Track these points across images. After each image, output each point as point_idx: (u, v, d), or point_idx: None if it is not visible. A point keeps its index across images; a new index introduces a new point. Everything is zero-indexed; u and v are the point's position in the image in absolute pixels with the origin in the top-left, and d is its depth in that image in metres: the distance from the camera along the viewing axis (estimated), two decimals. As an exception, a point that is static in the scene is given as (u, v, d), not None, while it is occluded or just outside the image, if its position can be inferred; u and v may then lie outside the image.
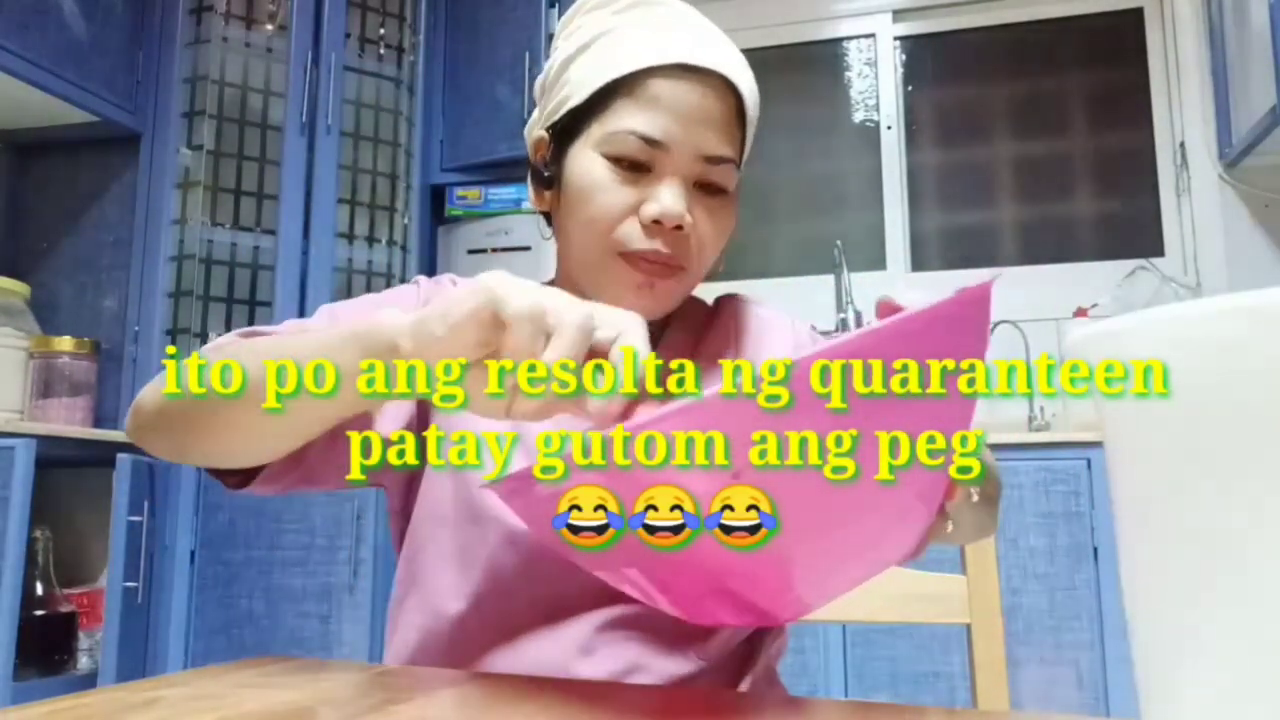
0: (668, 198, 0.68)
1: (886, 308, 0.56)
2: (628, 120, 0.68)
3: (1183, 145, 2.50)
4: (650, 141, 0.68)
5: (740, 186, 0.77)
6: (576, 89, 0.72)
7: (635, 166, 0.69)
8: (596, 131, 0.70)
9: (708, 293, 0.84)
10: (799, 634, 1.95)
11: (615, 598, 0.67)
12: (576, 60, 0.73)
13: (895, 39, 2.83)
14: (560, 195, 0.73)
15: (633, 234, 0.69)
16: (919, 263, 2.72)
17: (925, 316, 0.40)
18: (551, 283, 0.82)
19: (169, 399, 0.61)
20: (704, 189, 0.71)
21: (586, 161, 0.70)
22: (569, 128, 0.72)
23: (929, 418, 0.43)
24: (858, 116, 2.83)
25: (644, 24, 0.71)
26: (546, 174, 0.74)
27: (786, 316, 0.85)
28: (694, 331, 0.81)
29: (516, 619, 0.68)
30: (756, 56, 2.88)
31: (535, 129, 0.78)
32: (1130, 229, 2.58)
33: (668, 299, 0.72)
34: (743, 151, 0.75)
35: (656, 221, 0.68)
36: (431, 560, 0.71)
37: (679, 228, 0.69)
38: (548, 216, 0.78)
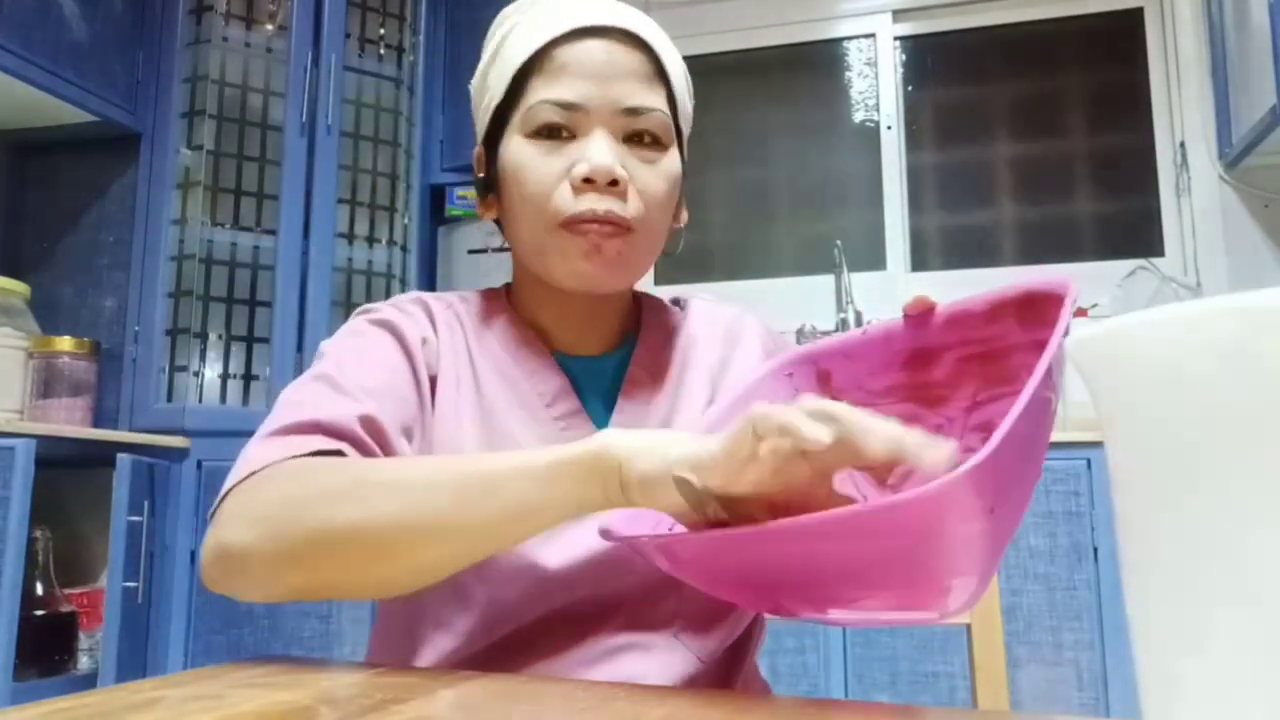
0: (595, 153, 0.67)
1: (921, 304, 0.59)
2: (541, 93, 0.68)
3: (1183, 145, 2.50)
4: (565, 105, 0.68)
5: (684, 144, 0.76)
6: (495, 90, 0.72)
7: (558, 134, 0.68)
8: (516, 117, 0.70)
9: (705, 292, 0.85)
10: (799, 634, 1.95)
11: (606, 617, 0.67)
12: (491, 68, 0.74)
13: (895, 39, 2.82)
14: (500, 195, 0.73)
15: (568, 199, 0.68)
16: (919, 263, 2.72)
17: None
18: (509, 286, 0.82)
19: (337, 522, 0.54)
20: (637, 142, 0.70)
21: (513, 148, 0.70)
22: (495, 130, 0.73)
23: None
24: (858, 116, 2.83)
25: (542, 10, 0.72)
26: (482, 176, 0.75)
27: (749, 314, 0.85)
28: (666, 332, 0.81)
29: (514, 647, 0.68)
30: (756, 56, 2.90)
31: (477, 145, 0.78)
32: (1130, 229, 2.57)
33: (621, 264, 0.70)
34: (676, 110, 0.73)
35: (589, 180, 0.67)
36: (427, 600, 0.69)
37: (615, 183, 0.67)
38: (500, 226, 0.78)
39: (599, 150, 0.67)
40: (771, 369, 0.70)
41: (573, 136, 0.69)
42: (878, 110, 2.80)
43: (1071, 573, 1.89)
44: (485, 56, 0.76)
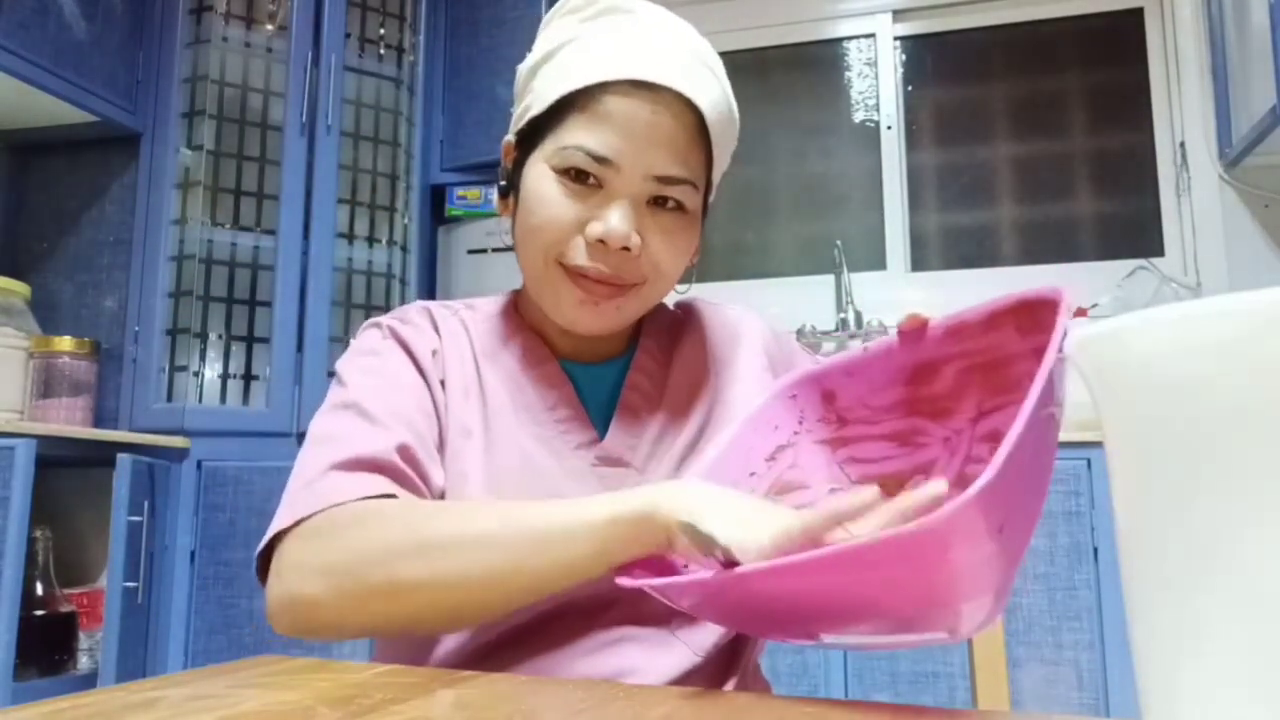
0: (614, 219, 0.67)
1: (913, 321, 0.59)
2: (578, 136, 0.67)
3: (1183, 145, 2.50)
4: (598, 159, 0.67)
5: (710, 205, 0.76)
6: (537, 99, 0.71)
7: (584, 180, 0.68)
8: (550, 145, 0.69)
9: (705, 292, 0.85)
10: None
11: (604, 611, 0.68)
12: (541, 68, 0.72)
13: (895, 39, 2.82)
14: (516, 206, 0.73)
15: (577, 250, 0.68)
16: (919, 263, 2.72)
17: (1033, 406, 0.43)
18: (515, 294, 0.82)
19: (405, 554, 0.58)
20: (660, 206, 0.70)
21: (537, 174, 0.70)
22: (529, 137, 0.72)
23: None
24: (858, 116, 2.83)
25: (606, 36, 0.70)
26: (504, 182, 0.75)
27: (752, 315, 0.85)
28: (668, 338, 0.81)
29: (514, 641, 0.68)
30: (756, 56, 2.90)
31: (509, 134, 0.78)
32: (1130, 229, 2.58)
33: (617, 316, 0.71)
34: (710, 169, 0.73)
35: (601, 241, 0.67)
36: None
37: (625, 249, 0.68)
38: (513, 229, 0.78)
39: (618, 217, 0.67)
40: (776, 392, 0.70)
41: (599, 185, 0.68)
42: (878, 110, 2.80)
43: (1071, 573, 1.89)
44: (538, 51, 0.73)
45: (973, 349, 0.60)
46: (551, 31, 0.74)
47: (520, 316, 0.79)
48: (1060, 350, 0.46)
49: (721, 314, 0.84)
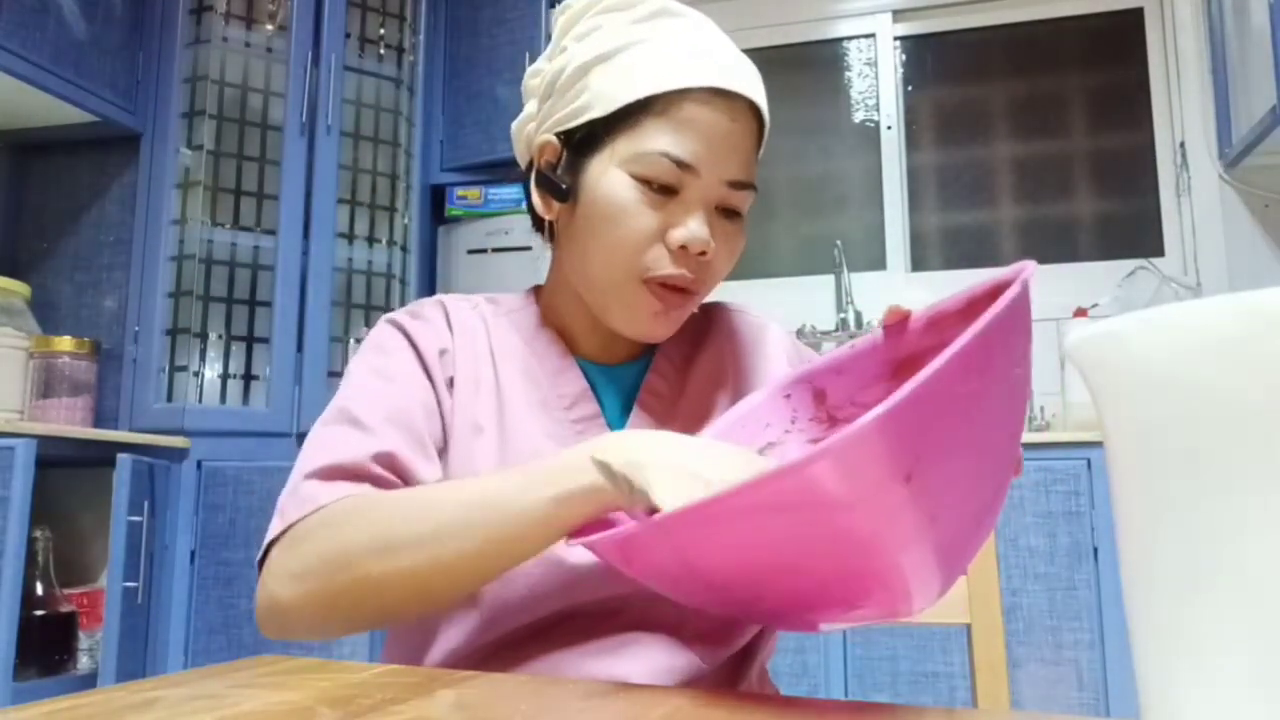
0: (695, 224, 0.68)
1: (895, 314, 0.59)
2: (659, 141, 0.67)
3: (1183, 145, 2.50)
4: (682, 165, 0.67)
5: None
6: (599, 100, 0.69)
7: (663, 189, 0.68)
8: (623, 149, 0.68)
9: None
10: (799, 634, 1.96)
11: (612, 616, 0.68)
12: (597, 68, 0.70)
13: (895, 39, 2.83)
14: (575, 209, 0.71)
15: (660, 259, 0.69)
16: (919, 263, 2.72)
17: (984, 332, 0.42)
18: (538, 289, 0.82)
19: (345, 555, 0.60)
20: (723, 213, 0.71)
21: (612, 180, 0.68)
22: (587, 139, 0.70)
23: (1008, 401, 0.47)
24: (858, 116, 2.83)
25: (672, 40, 0.69)
26: (564, 186, 0.72)
27: (773, 322, 0.86)
28: (689, 342, 0.81)
29: (518, 645, 0.68)
30: (757, 56, 2.88)
31: (535, 130, 0.75)
32: (1130, 229, 2.58)
33: (679, 322, 0.73)
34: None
35: (683, 247, 0.68)
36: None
37: (703, 253, 0.69)
38: (545, 224, 0.76)
39: (700, 224, 0.68)
40: (770, 391, 0.70)
41: (674, 192, 0.68)
42: (878, 110, 2.80)
43: (1071, 573, 1.89)
44: (585, 49, 0.71)
45: (950, 339, 0.60)
46: (598, 28, 0.72)
47: (543, 314, 0.79)
48: (1009, 313, 0.43)
49: (746, 320, 0.84)
